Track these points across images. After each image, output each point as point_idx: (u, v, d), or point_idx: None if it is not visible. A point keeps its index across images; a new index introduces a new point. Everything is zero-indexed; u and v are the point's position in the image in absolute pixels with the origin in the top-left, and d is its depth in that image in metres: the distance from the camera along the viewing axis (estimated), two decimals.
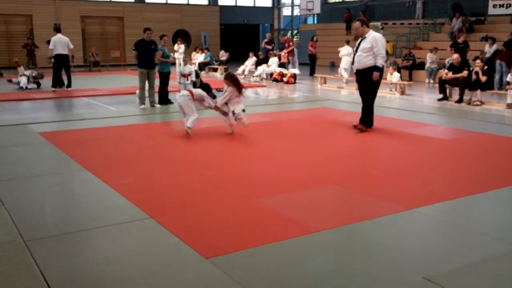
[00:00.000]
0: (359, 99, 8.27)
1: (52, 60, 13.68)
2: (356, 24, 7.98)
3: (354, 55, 8.05)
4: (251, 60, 19.03)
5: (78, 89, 14.07)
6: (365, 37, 7.80)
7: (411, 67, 17.24)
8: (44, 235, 3.80)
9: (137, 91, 10.82)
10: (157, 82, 10.91)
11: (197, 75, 12.48)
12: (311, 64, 19.55)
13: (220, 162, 6.12)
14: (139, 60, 10.59)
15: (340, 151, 6.72)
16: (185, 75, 11.51)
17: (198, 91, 7.72)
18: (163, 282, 3.09)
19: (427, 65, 16.64)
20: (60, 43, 13.52)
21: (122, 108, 10.72)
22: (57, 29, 14.09)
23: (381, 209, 4.36)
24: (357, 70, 7.97)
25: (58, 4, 24.18)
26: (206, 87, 8.04)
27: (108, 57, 24.53)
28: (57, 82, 13.94)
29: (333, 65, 22.83)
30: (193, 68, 13.10)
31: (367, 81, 7.82)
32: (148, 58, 10.52)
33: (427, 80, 16.59)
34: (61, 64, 13.73)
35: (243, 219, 4.15)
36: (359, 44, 7.93)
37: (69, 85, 14.09)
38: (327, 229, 3.90)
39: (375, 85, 7.88)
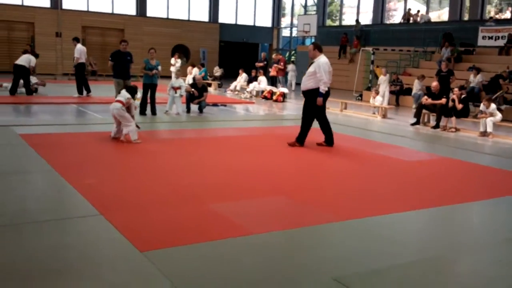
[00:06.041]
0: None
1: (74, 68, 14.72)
2: (309, 47, 8.51)
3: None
4: (242, 77, 19.47)
5: (71, 96, 14.46)
6: (314, 61, 8.29)
7: (398, 92, 17.67)
8: None
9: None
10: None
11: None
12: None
13: (182, 170, 6.42)
14: (114, 71, 11.02)
15: (299, 166, 7.02)
16: (174, 88, 11.89)
17: (127, 96, 8.02)
18: (93, 273, 3.36)
19: (414, 91, 17.01)
20: (84, 53, 14.66)
21: (108, 116, 11.03)
22: (77, 39, 15.08)
23: (317, 219, 4.67)
24: (302, 91, 8.49)
25: (60, 13, 24.75)
26: (132, 90, 8.28)
27: (106, 67, 24.90)
28: (86, 88, 14.89)
29: None
30: (183, 82, 13.47)
31: (308, 101, 8.35)
32: (123, 69, 10.98)
33: (413, 106, 16.95)
34: (83, 71, 14.78)
35: (188, 220, 4.44)
36: (309, 66, 8.45)
37: (88, 91, 14.98)
38: (262, 232, 4.19)
39: (315, 107, 8.26)
